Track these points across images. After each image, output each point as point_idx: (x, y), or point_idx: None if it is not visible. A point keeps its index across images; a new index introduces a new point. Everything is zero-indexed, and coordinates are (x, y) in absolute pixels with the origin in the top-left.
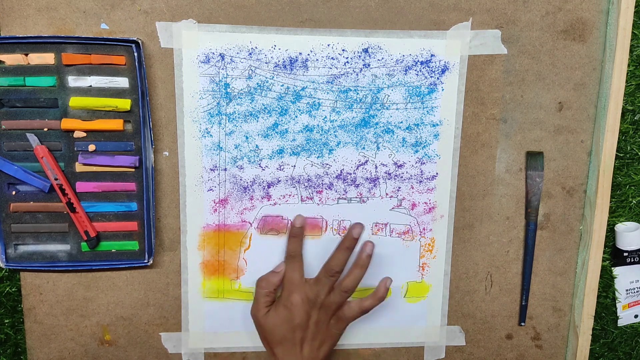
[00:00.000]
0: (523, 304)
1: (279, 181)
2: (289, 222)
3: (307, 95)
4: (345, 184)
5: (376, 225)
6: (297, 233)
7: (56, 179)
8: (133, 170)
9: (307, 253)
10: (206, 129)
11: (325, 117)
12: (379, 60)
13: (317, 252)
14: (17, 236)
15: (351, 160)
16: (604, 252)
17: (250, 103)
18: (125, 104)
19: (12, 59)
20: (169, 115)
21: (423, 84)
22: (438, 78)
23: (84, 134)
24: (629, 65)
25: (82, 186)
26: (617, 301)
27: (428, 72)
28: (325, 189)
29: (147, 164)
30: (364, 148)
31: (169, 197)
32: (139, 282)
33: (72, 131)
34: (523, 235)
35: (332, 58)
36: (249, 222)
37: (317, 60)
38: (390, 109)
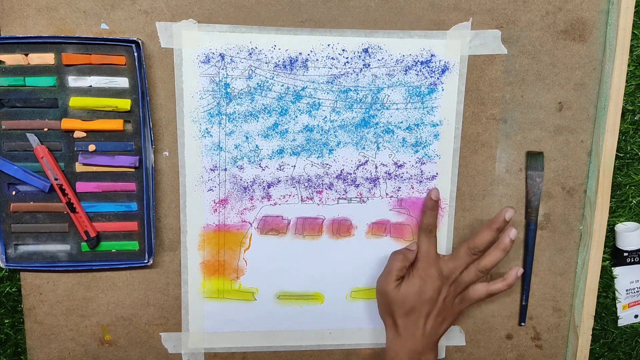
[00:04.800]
0: (523, 304)
1: (279, 181)
2: (289, 222)
3: (307, 95)
4: (346, 184)
5: (376, 225)
6: (433, 206)
7: (56, 179)
8: (133, 170)
9: (306, 253)
10: (206, 129)
11: (325, 117)
12: (379, 60)
13: (316, 252)
14: (17, 236)
15: (351, 160)
16: (604, 252)
17: (250, 103)
18: (125, 104)
19: (12, 59)
20: (169, 115)
21: (423, 84)
22: (438, 78)
23: (84, 134)
24: (629, 65)
25: (82, 186)
26: (617, 301)
27: (428, 72)
28: (326, 189)
29: (147, 164)
30: (364, 148)
31: (169, 197)
32: (139, 282)
33: (72, 131)
34: (523, 235)
35: (332, 58)
36: (249, 222)
37: (317, 60)
38: (390, 109)
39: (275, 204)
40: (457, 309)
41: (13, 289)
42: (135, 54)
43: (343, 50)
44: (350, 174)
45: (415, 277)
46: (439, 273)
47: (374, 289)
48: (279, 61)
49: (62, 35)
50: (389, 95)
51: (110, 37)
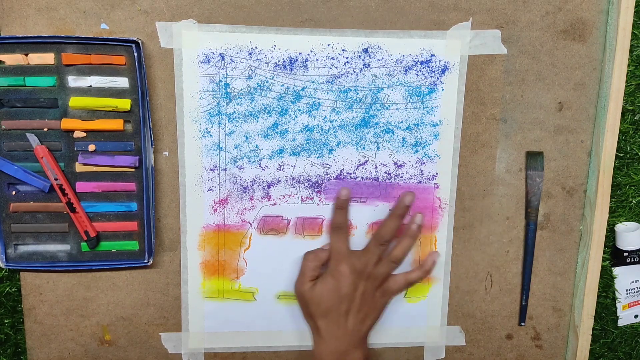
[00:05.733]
0: (523, 304)
1: (279, 181)
2: (289, 222)
3: (307, 95)
4: (346, 183)
5: (376, 225)
6: (342, 205)
7: (56, 179)
8: (133, 170)
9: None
10: (206, 129)
11: (325, 117)
12: (379, 60)
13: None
14: (17, 236)
15: (351, 160)
16: (604, 252)
17: (250, 103)
18: (125, 104)
19: (12, 59)
20: (169, 115)
21: (423, 84)
22: (438, 78)
23: (84, 134)
24: (629, 65)
25: (82, 186)
26: (617, 301)
27: (428, 72)
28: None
29: (147, 164)
30: (364, 148)
31: (169, 197)
32: (139, 282)
33: (72, 131)
34: (523, 235)
35: (332, 58)
36: (249, 222)
37: (317, 60)
38: (390, 109)
39: (275, 204)
40: (380, 303)
41: (13, 289)
42: (135, 54)
43: (343, 50)
44: (350, 173)
45: (328, 275)
46: (351, 269)
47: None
48: (279, 61)
49: (62, 35)
50: (389, 95)
51: (110, 37)
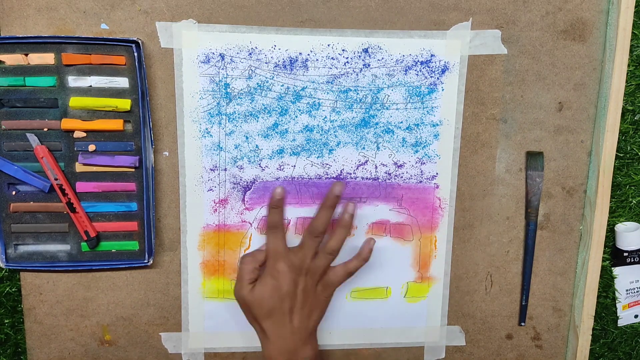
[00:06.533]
0: (523, 304)
1: (279, 181)
2: (289, 222)
3: (307, 95)
4: (346, 183)
5: (376, 225)
6: (277, 204)
7: (56, 179)
8: (133, 170)
9: None
10: (206, 129)
11: (325, 117)
12: (379, 60)
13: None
14: (17, 236)
15: (351, 160)
16: (604, 252)
17: (250, 103)
18: (125, 104)
19: (12, 59)
20: (169, 115)
21: (423, 84)
22: (438, 78)
23: (84, 134)
24: (629, 65)
25: (82, 186)
26: (617, 301)
27: (428, 72)
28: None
29: (147, 164)
30: (364, 148)
31: (169, 197)
32: (139, 282)
33: (72, 131)
34: (523, 235)
35: (332, 58)
36: (249, 222)
37: (317, 60)
38: (390, 109)
39: None
40: (323, 297)
41: (13, 289)
42: (135, 54)
43: (343, 50)
44: (350, 173)
45: (267, 275)
46: (289, 266)
47: (375, 289)
48: (279, 61)
49: (62, 35)
50: (389, 95)
51: (110, 37)
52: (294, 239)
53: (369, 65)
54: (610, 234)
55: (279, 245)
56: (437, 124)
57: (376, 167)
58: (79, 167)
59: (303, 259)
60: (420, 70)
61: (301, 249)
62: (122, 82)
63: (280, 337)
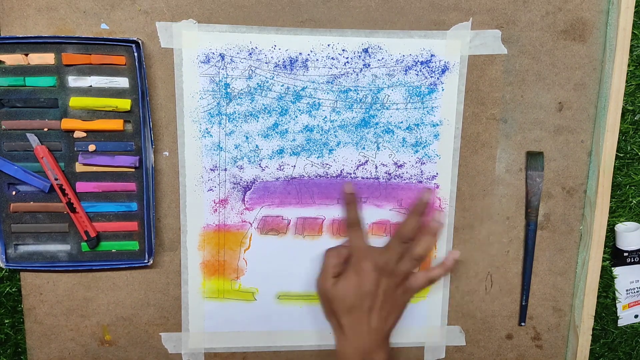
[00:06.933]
0: (523, 304)
1: (279, 181)
2: (289, 222)
3: (307, 95)
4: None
5: (376, 225)
6: (350, 199)
7: (56, 179)
8: (133, 170)
9: (306, 253)
10: (206, 129)
11: (325, 117)
12: (379, 60)
13: (316, 252)
14: (17, 236)
15: (351, 160)
16: (604, 252)
17: (250, 103)
18: (125, 104)
19: (12, 59)
20: (169, 115)
21: (423, 84)
22: (438, 78)
23: (84, 134)
24: (629, 65)
25: (82, 186)
26: (617, 301)
27: (428, 72)
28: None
29: (147, 164)
30: (364, 148)
31: (169, 197)
32: (139, 282)
33: (72, 131)
34: (523, 235)
35: (332, 58)
36: (249, 222)
37: (317, 60)
38: (391, 109)
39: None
40: (401, 301)
41: (13, 289)
42: (135, 54)
43: (343, 50)
44: (350, 173)
45: (351, 272)
46: (374, 265)
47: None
48: (279, 61)
49: (62, 35)
50: (389, 95)
51: (110, 37)
52: (294, 239)
53: (369, 65)
54: (610, 234)
55: (361, 243)
56: (437, 124)
57: (376, 167)
58: (79, 167)
59: (388, 261)
60: (421, 70)
61: (387, 251)
62: (122, 82)
63: (356, 335)
